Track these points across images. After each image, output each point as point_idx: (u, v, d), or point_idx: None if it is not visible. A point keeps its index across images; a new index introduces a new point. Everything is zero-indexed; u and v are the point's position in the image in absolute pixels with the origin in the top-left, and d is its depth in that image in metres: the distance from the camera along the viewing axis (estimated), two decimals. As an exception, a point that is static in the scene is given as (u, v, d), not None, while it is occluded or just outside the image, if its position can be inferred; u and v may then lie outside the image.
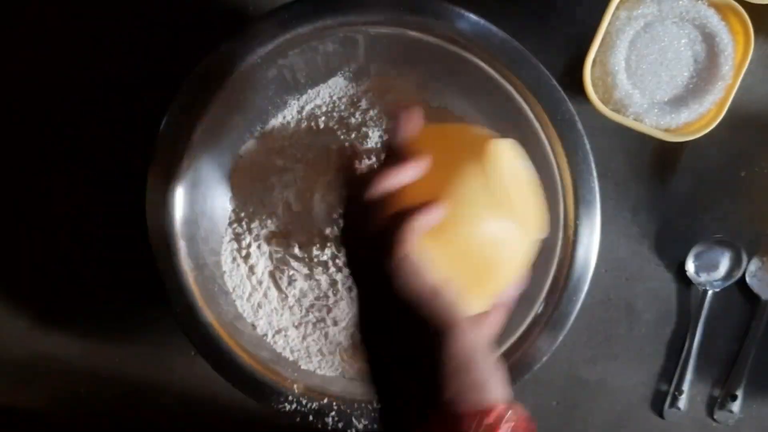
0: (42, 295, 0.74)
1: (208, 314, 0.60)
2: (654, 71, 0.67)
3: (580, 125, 0.58)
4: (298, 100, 0.66)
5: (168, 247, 0.59)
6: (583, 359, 0.74)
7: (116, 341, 0.74)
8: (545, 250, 0.60)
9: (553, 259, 0.60)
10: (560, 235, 0.60)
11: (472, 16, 0.57)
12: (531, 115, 0.59)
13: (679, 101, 0.67)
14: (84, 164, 0.72)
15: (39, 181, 0.73)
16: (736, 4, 0.65)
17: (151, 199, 0.58)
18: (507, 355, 0.60)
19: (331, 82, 0.66)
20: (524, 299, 0.60)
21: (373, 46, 0.62)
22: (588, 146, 0.58)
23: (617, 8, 0.65)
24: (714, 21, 0.66)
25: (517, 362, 0.59)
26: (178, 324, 0.60)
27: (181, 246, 0.59)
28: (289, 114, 0.67)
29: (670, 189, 0.72)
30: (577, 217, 0.59)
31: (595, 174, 0.58)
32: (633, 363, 0.74)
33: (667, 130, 0.67)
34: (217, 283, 0.63)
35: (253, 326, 0.65)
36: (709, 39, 0.67)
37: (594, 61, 0.66)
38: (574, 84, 0.67)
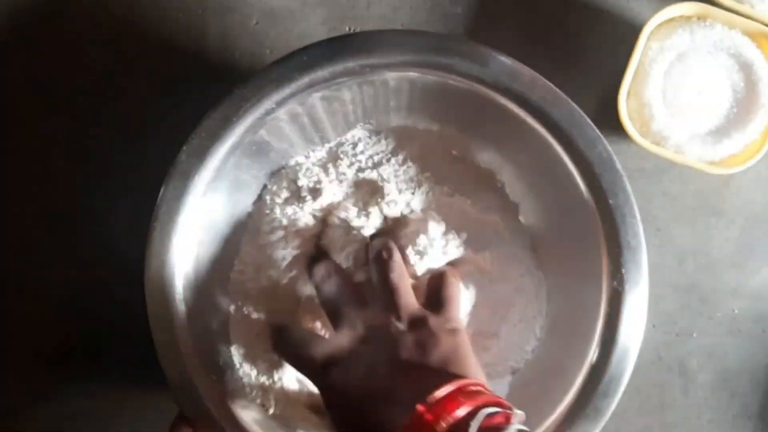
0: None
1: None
2: (692, 102, 0.66)
3: (618, 165, 0.56)
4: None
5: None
6: (636, 431, 0.70)
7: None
8: (588, 307, 0.58)
9: (598, 316, 0.57)
10: (604, 287, 0.57)
11: (500, 55, 0.56)
12: (565, 158, 0.57)
13: (720, 132, 0.67)
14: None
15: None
16: (771, 32, 0.66)
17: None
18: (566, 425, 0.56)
19: (348, 136, 0.65)
20: (566, 369, 0.58)
21: (395, 92, 0.61)
22: (629, 187, 0.56)
23: (649, 39, 0.65)
24: (750, 49, 0.66)
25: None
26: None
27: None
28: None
29: (717, 233, 0.71)
30: (622, 266, 0.56)
31: (638, 217, 0.56)
32: (692, 434, 0.70)
33: (711, 163, 0.66)
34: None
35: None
36: (746, 68, 0.66)
37: (628, 93, 0.66)
38: (608, 122, 0.66)
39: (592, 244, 0.58)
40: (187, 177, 0.56)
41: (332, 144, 0.65)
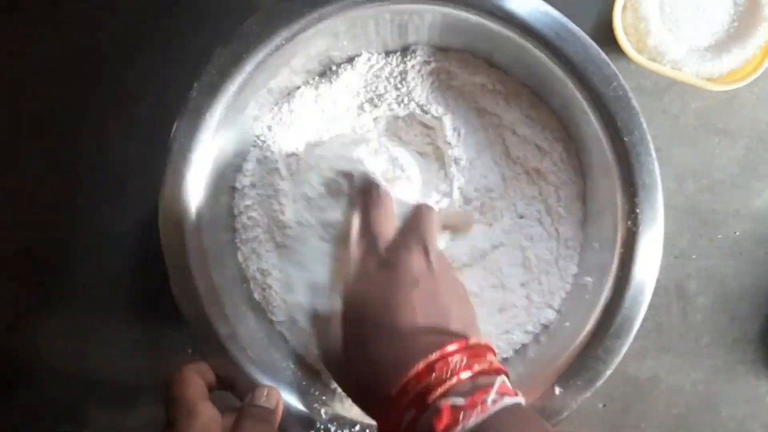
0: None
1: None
2: (690, 16, 0.65)
3: (634, 102, 0.54)
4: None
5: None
6: (631, 353, 0.69)
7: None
8: (605, 248, 0.57)
9: (613, 257, 0.56)
10: (619, 227, 0.56)
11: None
12: (577, 94, 0.55)
13: (720, 47, 0.65)
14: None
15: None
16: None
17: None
18: (576, 365, 0.57)
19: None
20: (584, 312, 0.58)
21: (406, 25, 0.59)
22: (645, 125, 0.54)
23: (646, -52, 0.63)
24: (752, -41, 0.64)
25: (587, 369, 0.56)
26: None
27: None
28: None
29: (720, 153, 0.69)
30: (636, 206, 0.55)
31: (654, 155, 0.54)
32: (689, 356, 0.71)
33: (709, 80, 0.64)
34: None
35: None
36: (747, -21, 0.64)
37: (624, 7, 0.64)
38: (604, 38, 0.63)
39: (608, 182, 0.56)
40: (199, 113, 0.56)
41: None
